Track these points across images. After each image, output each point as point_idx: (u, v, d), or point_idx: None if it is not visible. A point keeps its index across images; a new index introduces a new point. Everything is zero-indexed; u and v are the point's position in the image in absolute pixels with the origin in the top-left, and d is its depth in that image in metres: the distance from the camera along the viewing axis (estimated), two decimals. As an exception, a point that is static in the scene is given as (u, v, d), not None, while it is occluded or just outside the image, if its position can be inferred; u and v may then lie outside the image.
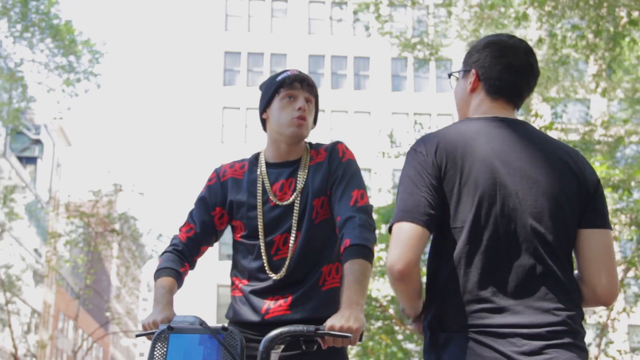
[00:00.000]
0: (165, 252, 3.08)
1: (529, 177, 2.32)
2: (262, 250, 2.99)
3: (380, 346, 17.91)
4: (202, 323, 2.37)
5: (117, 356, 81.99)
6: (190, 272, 3.11)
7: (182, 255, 3.06)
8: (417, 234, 2.26)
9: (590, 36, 13.18)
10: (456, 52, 23.92)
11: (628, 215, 15.03)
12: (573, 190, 2.35)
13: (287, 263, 2.95)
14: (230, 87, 40.29)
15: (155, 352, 2.36)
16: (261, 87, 3.17)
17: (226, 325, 2.41)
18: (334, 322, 2.51)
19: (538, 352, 2.17)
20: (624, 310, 18.77)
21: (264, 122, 3.13)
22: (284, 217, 2.99)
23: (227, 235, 3.25)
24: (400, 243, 2.26)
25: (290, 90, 3.03)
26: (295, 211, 2.98)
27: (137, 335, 2.67)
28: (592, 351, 19.08)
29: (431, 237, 2.37)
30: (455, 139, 2.36)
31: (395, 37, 20.51)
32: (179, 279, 3.00)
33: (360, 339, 2.50)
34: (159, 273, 2.99)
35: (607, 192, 14.83)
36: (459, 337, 2.24)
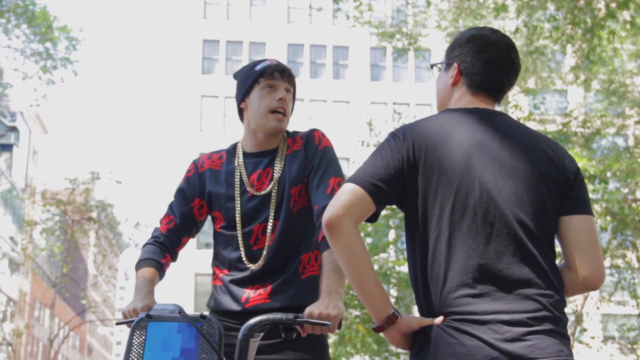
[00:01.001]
0: (146, 244, 3.08)
1: (508, 166, 2.34)
2: (240, 241, 2.99)
3: (357, 335, 17.98)
4: (181, 311, 2.37)
5: (94, 344, 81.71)
6: (172, 263, 3.12)
7: (163, 247, 3.06)
8: (357, 195, 2.27)
9: (568, 27, 13.25)
10: (435, 42, 23.98)
11: (603, 205, 15.16)
12: (553, 179, 2.37)
13: (265, 252, 2.96)
14: (208, 76, 40.12)
15: (133, 340, 2.36)
16: (236, 76, 3.15)
17: (205, 313, 2.41)
18: (313, 309, 2.52)
19: (520, 338, 2.17)
20: (604, 299, 18.98)
21: (241, 111, 3.12)
22: (262, 207, 2.99)
23: (206, 224, 3.26)
24: (335, 199, 2.28)
25: (270, 80, 3.02)
26: (272, 200, 2.98)
27: (117, 323, 2.67)
28: (567, 340, 19.26)
29: (411, 229, 2.37)
30: (435, 129, 2.38)
31: (374, 26, 20.52)
32: (160, 269, 3.00)
33: (339, 327, 2.51)
34: (140, 264, 2.98)
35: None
36: (441, 325, 2.24)
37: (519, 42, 15.90)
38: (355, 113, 39.27)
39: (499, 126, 2.42)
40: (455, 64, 2.55)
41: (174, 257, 3.10)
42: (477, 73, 2.50)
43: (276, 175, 3.00)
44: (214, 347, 2.29)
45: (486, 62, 2.50)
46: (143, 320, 2.38)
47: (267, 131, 3.03)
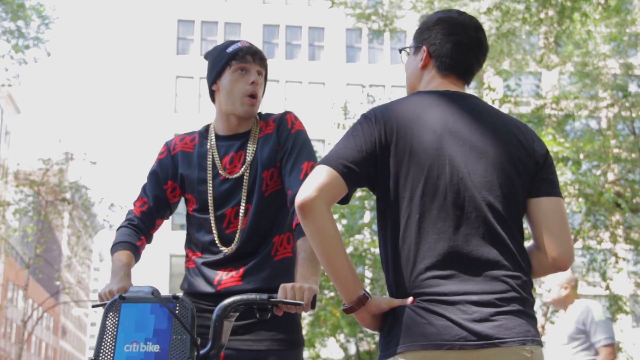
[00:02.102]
0: (120, 227, 3.07)
1: (478, 149, 2.36)
2: (213, 224, 2.99)
3: (332, 317, 18.07)
4: (154, 292, 2.38)
5: (68, 326, 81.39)
6: (147, 245, 3.12)
7: (138, 230, 3.06)
8: (329, 177, 2.29)
9: (540, 9, 13.29)
10: (411, 24, 23.97)
11: (576, 187, 15.30)
12: (522, 161, 2.39)
13: (237, 236, 2.96)
14: (183, 56, 39.85)
15: (107, 322, 2.37)
16: (207, 57, 3.12)
17: (178, 294, 2.42)
18: (286, 284, 2.51)
19: (488, 319, 2.20)
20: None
21: (212, 93, 3.10)
22: (234, 190, 2.98)
23: (180, 206, 3.26)
24: (308, 181, 2.29)
25: (242, 63, 3.00)
26: (244, 184, 2.97)
27: (93, 306, 2.66)
28: (539, 320, 19.50)
29: (383, 213, 2.39)
30: (406, 112, 2.39)
31: (350, 7, 20.47)
32: (135, 252, 3.00)
33: (313, 306, 2.51)
34: (115, 247, 2.98)
35: (557, 166, 15.07)
36: (410, 305, 2.26)
37: (492, 24, 15.94)
38: (331, 94, 39.24)
39: (470, 109, 2.44)
40: (424, 47, 2.56)
41: (148, 239, 3.10)
42: (447, 55, 2.52)
43: (248, 158, 2.99)
44: (186, 327, 2.30)
45: (455, 44, 2.51)
46: (116, 301, 2.39)
47: (238, 114, 3.02)
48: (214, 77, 3.06)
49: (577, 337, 5.93)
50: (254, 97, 3.01)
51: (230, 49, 3.03)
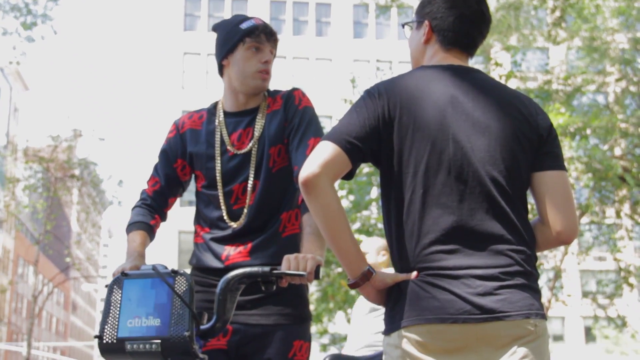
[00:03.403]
0: (135, 206, 3.10)
1: (482, 123, 2.36)
2: (221, 200, 3.00)
3: (340, 291, 18.13)
4: (154, 268, 2.42)
5: (78, 301, 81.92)
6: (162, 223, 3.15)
7: (152, 209, 3.09)
8: (333, 153, 2.29)
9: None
10: (418, -2, 23.81)
11: (584, 162, 15.27)
12: (526, 135, 2.39)
13: (245, 212, 2.98)
14: (190, 32, 39.72)
15: (111, 298, 2.43)
16: (216, 29, 3.11)
17: (176, 269, 2.46)
18: (290, 255, 2.53)
19: (492, 292, 2.21)
20: (580, 253, 19.18)
21: (221, 67, 3.10)
22: (242, 166, 3.00)
23: (191, 182, 3.30)
24: (311, 157, 2.30)
25: (256, 41, 3.00)
26: (252, 160, 2.99)
27: (107, 286, 2.71)
28: (546, 294, 19.54)
29: (386, 188, 2.40)
30: (410, 86, 2.39)
31: (357, -18, 20.36)
32: (150, 231, 3.03)
33: (317, 276, 2.50)
34: (130, 227, 3.02)
35: (565, 140, 15.03)
36: (414, 279, 2.27)
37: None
38: (338, 70, 39.11)
39: (473, 83, 2.43)
40: (426, 22, 2.56)
41: (163, 218, 3.13)
42: (449, 29, 2.51)
43: (256, 134, 3.00)
44: (184, 301, 2.34)
45: (457, 17, 2.51)
46: (119, 278, 2.44)
47: (250, 91, 3.03)
48: (225, 52, 3.05)
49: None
50: (267, 72, 3.01)
51: (244, 25, 3.01)
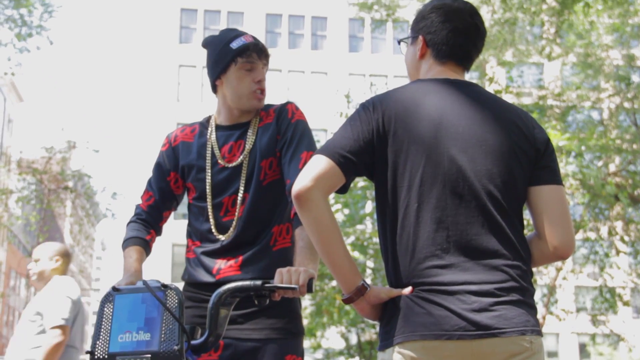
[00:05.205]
0: (130, 222, 3.11)
1: (478, 136, 2.35)
2: (210, 212, 3.00)
3: (334, 306, 18.09)
4: (144, 282, 2.42)
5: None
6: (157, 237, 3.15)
7: (147, 223, 3.09)
8: (326, 167, 2.28)
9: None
10: (413, 13, 23.92)
11: (579, 179, 15.29)
12: (522, 149, 2.38)
13: (234, 224, 2.97)
14: (186, 45, 39.80)
15: (103, 313, 2.43)
16: (207, 46, 3.10)
17: (166, 282, 2.45)
18: (282, 269, 2.51)
19: (487, 309, 2.20)
20: (573, 271, 19.20)
21: (214, 86, 3.10)
22: (232, 179, 2.99)
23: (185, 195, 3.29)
24: (304, 171, 2.29)
25: (248, 61, 3.00)
26: (243, 172, 2.98)
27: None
28: (541, 311, 19.53)
29: (381, 202, 2.38)
30: (405, 100, 2.38)
31: (353, -3, 20.46)
32: (146, 246, 3.04)
33: (310, 290, 2.48)
34: (126, 243, 3.02)
35: (560, 157, 15.07)
36: (409, 295, 2.26)
37: (492, 13, 15.91)
38: (333, 84, 39.21)
39: (469, 96, 2.42)
40: (420, 37, 2.55)
41: (158, 232, 3.14)
42: (443, 42, 2.51)
43: (247, 146, 3.00)
44: (174, 315, 2.34)
45: (450, 30, 2.50)
46: (110, 293, 2.45)
47: (245, 109, 3.04)
48: (217, 73, 3.05)
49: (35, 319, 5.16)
50: (262, 92, 3.02)
51: (235, 45, 3.01)
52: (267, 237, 2.97)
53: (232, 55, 3.00)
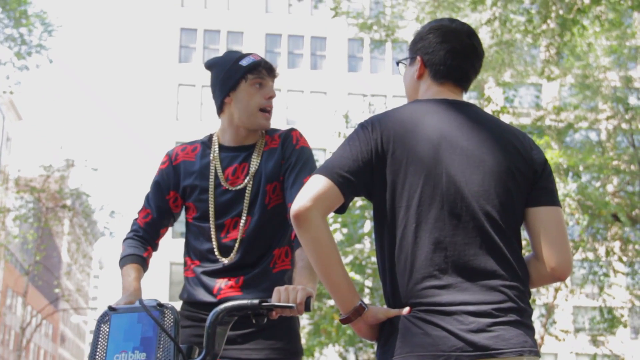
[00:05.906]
0: (126, 238, 3.10)
1: (476, 157, 2.35)
2: (212, 234, 3.01)
3: (332, 325, 18.03)
4: (140, 302, 2.42)
5: (67, 333, 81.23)
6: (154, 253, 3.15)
7: (144, 240, 3.09)
8: (325, 187, 2.28)
9: (541, 21, 13.34)
10: (412, 34, 24.02)
11: (577, 200, 15.30)
12: (520, 170, 2.38)
13: (236, 246, 2.97)
14: (185, 64, 39.89)
15: (99, 332, 2.44)
16: (211, 67, 3.11)
17: (162, 301, 2.45)
18: (280, 287, 2.52)
19: (485, 329, 2.19)
20: (572, 291, 19.17)
21: (221, 105, 3.09)
22: (236, 201, 3.00)
23: (182, 213, 3.29)
24: (303, 191, 2.29)
25: (259, 77, 3.03)
26: (247, 195, 2.99)
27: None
28: (539, 331, 19.47)
29: (379, 222, 2.38)
30: (404, 120, 2.39)
31: (352, 17, 20.53)
32: (143, 263, 3.03)
33: (308, 308, 2.48)
34: (123, 261, 3.02)
35: (558, 177, 15.08)
36: (407, 315, 2.26)
37: (492, 35, 15.99)
38: (333, 104, 39.29)
39: (467, 117, 2.43)
40: (418, 57, 2.56)
41: (155, 248, 3.14)
42: (441, 63, 2.52)
43: (252, 170, 3.01)
44: (169, 334, 2.33)
45: (448, 51, 2.51)
46: (107, 313, 2.45)
47: (253, 128, 3.05)
48: (227, 90, 3.05)
49: None
50: (269, 111, 3.05)
51: (244, 62, 3.04)
52: (268, 259, 2.99)
53: (242, 72, 3.02)
